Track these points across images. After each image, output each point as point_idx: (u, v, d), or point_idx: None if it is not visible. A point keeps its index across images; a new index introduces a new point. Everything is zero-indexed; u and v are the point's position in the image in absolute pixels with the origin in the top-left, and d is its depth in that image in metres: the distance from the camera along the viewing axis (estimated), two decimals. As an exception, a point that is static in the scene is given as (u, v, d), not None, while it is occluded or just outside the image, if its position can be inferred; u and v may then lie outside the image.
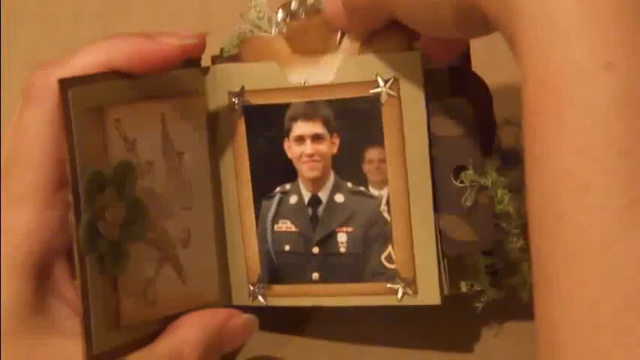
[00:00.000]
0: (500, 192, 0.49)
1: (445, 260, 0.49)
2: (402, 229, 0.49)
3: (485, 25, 0.41)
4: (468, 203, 0.48)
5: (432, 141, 0.49)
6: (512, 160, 0.52)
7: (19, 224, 0.46)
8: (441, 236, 0.49)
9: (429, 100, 0.49)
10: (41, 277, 0.46)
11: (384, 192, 0.49)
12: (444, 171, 0.49)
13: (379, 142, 0.49)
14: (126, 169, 0.46)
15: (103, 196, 0.45)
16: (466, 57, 0.52)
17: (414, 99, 0.48)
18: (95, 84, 0.45)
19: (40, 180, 0.46)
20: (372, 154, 0.49)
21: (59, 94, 0.44)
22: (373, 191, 0.50)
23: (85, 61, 0.46)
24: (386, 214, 0.49)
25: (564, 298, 0.35)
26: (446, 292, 0.50)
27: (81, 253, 0.44)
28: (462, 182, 0.49)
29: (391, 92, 0.48)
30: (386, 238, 0.49)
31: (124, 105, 0.47)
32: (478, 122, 0.49)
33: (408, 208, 0.49)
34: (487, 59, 0.52)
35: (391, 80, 0.48)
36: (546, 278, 0.36)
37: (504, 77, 0.60)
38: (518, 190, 0.50)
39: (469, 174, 0.49)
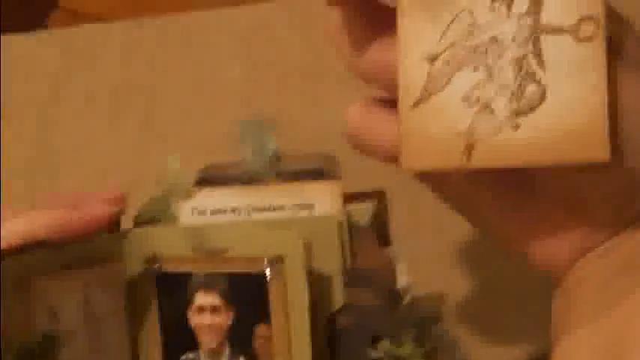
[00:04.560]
0: (416, 362, 0.50)
1: None
2: None
3: None
4: None
5: (348, 310, 0.50)
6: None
7: None
8: None
9: (346, 270, 0.51)
10: None
11: None
12: (359, 341, 0.50)
13: (267, 319, 0.51)
14: (50, 341, 0.47)
15: (29, 370, 0.46)
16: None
17: (297, 278, 0.50)
18: (23, 255, 0.46)
19: None
20: (261, 330, 0.51)
21: None
22: (262, 367, 0.51)
23: (9, 232, 0.47)
24: None
25: None
26: None
27: None
28: (378, 352, 0.50)
29: (276, 270, 0.50)
30: None
31: (49, 275, 0.48)
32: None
33: None
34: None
35: (276, 258, 0.50)
36: None
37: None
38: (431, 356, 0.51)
39: (385, 344, 0.50)
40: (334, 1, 0.46)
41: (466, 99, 0.44)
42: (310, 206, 0.53)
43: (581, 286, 0.47)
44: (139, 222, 0.54)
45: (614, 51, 0.44)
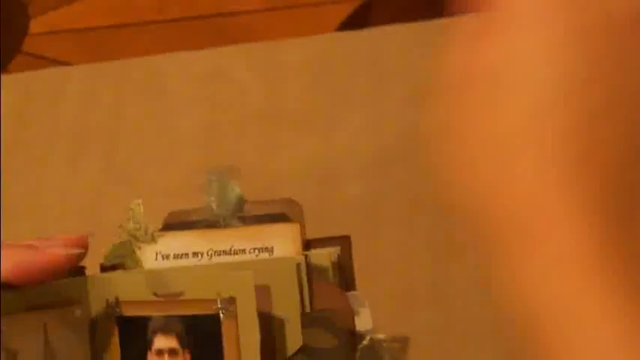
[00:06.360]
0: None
1: None
2: None
3: None
4: None
5: (307, 352, 0.51)
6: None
7: None
8: None
9: (304, 312, 0.51)
10: None
11: None
12: (318, 383, 0.51)
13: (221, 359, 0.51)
14: (10, 384, 0.47)
15: (-14, 415, 0.46)
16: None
17: (248, 318, 0.50)
18: None
19: None
20: None
21: None
22: (220, 409, 0.51)
23: None
24: None
25: None
26: None
27: None
28: (335, 394, 0.51)
29: (228, 311, 0.51)
30: None
31: (8, 316, 0.48)
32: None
33: None
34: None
35: (229, 300, 0.51)
36: None
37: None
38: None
39: None
40: None
41: None
42: (270, 249, 0.53)
43: None
44: (105, 267, 0.55)
45: None
